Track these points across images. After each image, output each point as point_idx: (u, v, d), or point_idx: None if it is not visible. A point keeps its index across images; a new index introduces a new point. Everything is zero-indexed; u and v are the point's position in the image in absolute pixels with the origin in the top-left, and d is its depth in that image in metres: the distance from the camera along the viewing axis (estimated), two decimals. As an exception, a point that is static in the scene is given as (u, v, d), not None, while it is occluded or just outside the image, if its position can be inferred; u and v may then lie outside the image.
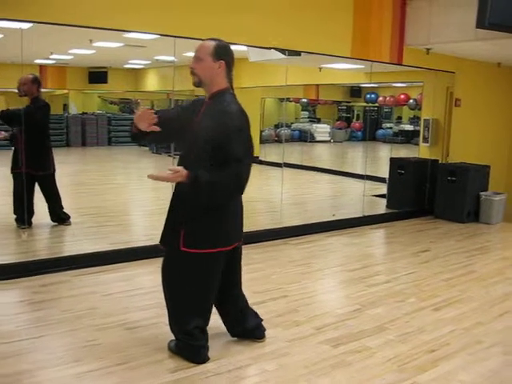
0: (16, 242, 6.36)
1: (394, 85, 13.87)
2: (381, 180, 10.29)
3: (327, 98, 17.65)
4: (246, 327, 3.81)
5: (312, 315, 4.39)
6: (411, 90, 14.11)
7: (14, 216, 6.50)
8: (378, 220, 8.31)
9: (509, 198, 8.91)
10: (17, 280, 4.93)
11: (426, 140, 9.47)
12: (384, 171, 9.86)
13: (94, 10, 5.05)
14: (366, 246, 7.07)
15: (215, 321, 3.80)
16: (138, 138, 3.50)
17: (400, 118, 19.21)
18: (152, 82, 13.88)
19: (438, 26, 7.24)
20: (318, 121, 19.84)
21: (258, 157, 13.26)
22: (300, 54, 6.86)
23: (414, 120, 16.39)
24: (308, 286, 5.14)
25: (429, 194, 8.95)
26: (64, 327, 3.97)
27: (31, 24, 5.05)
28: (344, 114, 20.52)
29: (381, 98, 15.20)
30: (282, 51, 6.64)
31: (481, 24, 5.71)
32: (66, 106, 16.01)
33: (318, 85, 14.41)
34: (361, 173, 10.10)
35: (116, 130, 15.81)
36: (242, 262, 3.77)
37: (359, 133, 19.58)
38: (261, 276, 5.28)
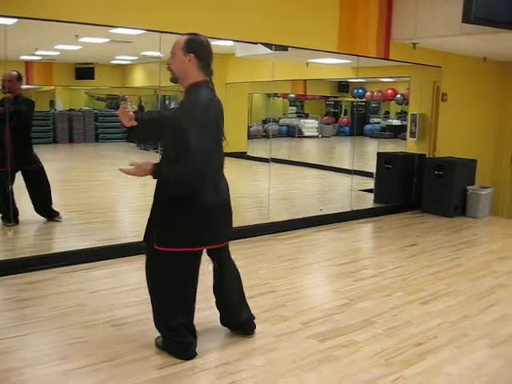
0: (2, 240, 6.33)
1: (382, 80, 13.92)
2: (368, 175, 10.30)
3: (315, 93, 17.68)
4: (240, 320, 3.82)
5: (299, 310, 4.39)
6: (398, 84, 14.17)
7: (0, 215, 6.46)
8: (366, 214, 8.33)
9: (495, 191, 8.97)
10: (3, 278, 4.90)
11: (413, 135, 9.49)
12: (371, 166, 9.87)
13: (80, 5, 5.01)
14: (354, 241, 7.09)
15: (203, 317, 3.80)
16: (130, 135, 3.74)
17: (388, 112, 19.27)
18: (139, 78, 13.81)
19: (425, 20, 7.26)
20: (306, 116, 19.87)
21: (245, 152, 13.28)
22: (287, 49, 6.86)
23: (402, 115, 16.45)
24: (295, 281, 5.15)
25: (416, 188, 8.97)
26: (51, 324, 3.96)
27: (16, 20, 5.01)
28: (332, 109, 20.54)
29: (368, 93, 15.25)
30: (269, 46, 6.63)
31: (467, 18, 5.73)
32: (52, 103, 15.88)
33: (305, 80, 14.43)
34: (348, 168, 10.11)
35: (103, 126, 15.69)
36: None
37: (347, 128, 19.61)
38: (248, 271, 5.27)
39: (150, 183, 3.41)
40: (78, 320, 4.04)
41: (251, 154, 13.15)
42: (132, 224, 7.46)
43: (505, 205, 9.92)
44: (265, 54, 6.93)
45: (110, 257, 5.55)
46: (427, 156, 9.12)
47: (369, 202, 9.27)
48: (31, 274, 5.00)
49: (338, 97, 18.44)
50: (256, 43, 6.51)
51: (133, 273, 5.15)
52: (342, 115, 20.42)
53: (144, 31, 5.76)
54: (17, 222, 6.45)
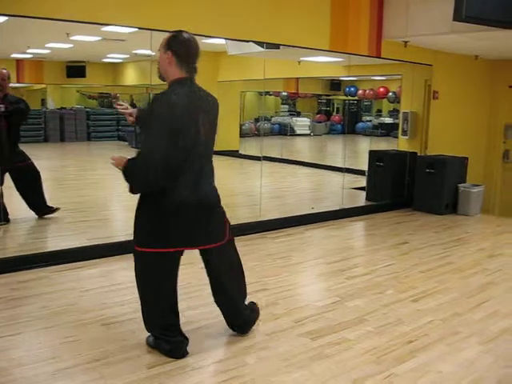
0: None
1: (374, 78, 13.91)
2: (360, 173, 10.32)
3: (307, 92, 17.65)
4: (233, 324, 3.82)
5: (291, 308, 4.40)
6: (390, 83, 14.16)
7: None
8: (358, 212, 8.35)
9: (486, 189, 9.01)
10: (-6, 277, 4.88)
11: (404, 133, 9.51)
12: (363, 164, 9.89)
13: (71, 3, 4.99)
14: (345, 239, 7.10)
15: (194, 315, 3.80)
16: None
17: (380, 111, 19.27)
18: (131, 76, 13.76)
19: (416, 18, 7.28)
20: (298, 114, 19.84)
21: (237, 150, 13.27)
22: (279, 47, 6.86)
23: (394, 113, 16.45)
24: (287, 279, 5.15)
25: (408, 186, 9.00)
26: (42, 324, 3.94)
27: (6, 18, 4.98)
28: (324, 108, 20.51)
29: (360, 91, 15.22)
30: (261, 44, 6.62)
31: (458, 17, 5.74)
32: (43, 101, 15.81)
33: (297, 78, 14.42)
34: (340, 166, 10.13)
35: (95, 124, 15.65)
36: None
37: (339, 126, 19.60)
38: (240, 270, 5.27)
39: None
40: (68, 319, 4.03)
41: (243, 153, 13.14)
42: (123, 222, 7.42)
43: (496, 203, 9.97)
44: (257, 52, 6.93)
45: (101, 255, 5.54)
46: (419, 154, 9.14)
47: (361, 199, 9.28)
48: (22, 273, 4.99)
49: (330, 95, 18.41)
50: (248, 41, 6.52)
51: (124, 271, 5.12)
52: (334, 113, 20.40)
53: (135, 29, 5.75)
54: (7, 220, 6.42)
